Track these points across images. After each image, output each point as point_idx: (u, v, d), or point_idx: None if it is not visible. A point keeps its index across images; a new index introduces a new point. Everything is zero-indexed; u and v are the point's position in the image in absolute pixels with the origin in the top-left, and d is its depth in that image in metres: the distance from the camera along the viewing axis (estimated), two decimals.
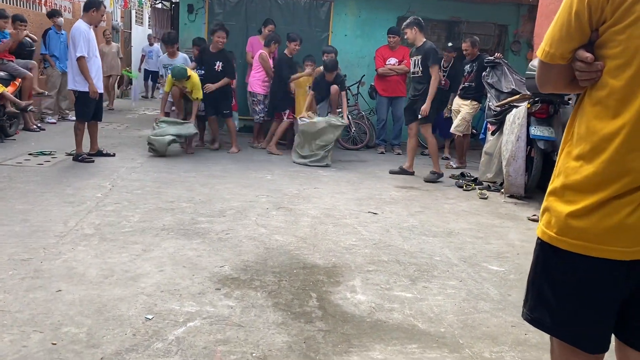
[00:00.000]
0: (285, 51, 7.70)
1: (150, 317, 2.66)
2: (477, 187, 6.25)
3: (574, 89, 1.43)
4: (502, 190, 5.94)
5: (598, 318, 1.39)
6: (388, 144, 8.72)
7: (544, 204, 1.45)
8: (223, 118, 7.66)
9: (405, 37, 6.57)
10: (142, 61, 14.95)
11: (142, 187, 5.22)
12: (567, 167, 1.38)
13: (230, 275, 3.24)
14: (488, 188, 6.21)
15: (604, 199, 1.29)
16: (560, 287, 1.41)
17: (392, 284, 3.28)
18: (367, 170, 7.02)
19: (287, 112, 7.71)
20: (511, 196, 5.77)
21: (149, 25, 17.59)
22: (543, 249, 1.44)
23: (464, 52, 7.36)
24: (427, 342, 2.60)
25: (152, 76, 14.75)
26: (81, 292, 2.87)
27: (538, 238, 1.46)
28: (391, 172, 6.79)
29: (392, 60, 8.27)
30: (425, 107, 6.29)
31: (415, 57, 6.46)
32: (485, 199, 5.79)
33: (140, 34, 16.73)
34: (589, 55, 1.30)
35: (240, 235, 3.99)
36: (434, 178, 6.48)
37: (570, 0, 1.33)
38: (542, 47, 1.41)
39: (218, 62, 7.33)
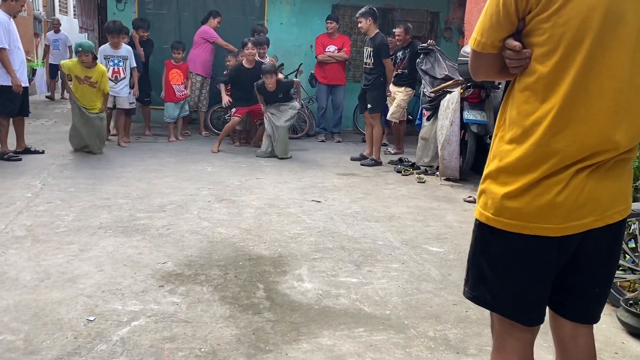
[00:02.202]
0: (243, 62, 7.46)
1: (92, 318, 2.57)
2: (415, 171, 6.42)
3: (505, 76, 1.49)
4: (438, 173, 6.14)
5: (533, 292, 1.48)
6: (328, 132, 8.78)
7: (481, 186, 1.51)
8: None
9: (359, 26, 6.70)
10: (46, 53, 12.25)
11: (75, 185, 5.00)
12: (501, 151, 1.45)
13: (173, 272, 3.18)
14: (425, 172, 6.39)
15: (535, 179, 1.36)
16: (498, 265, 1.48)
17: (338, 270, 3.33)
18: (308, 159, 7.05)
19: (234, 110, 7.53)
20: (447, 179, 5.98)
21: (74, 14, 16.73)
22: (481, 229, 1.51)
23: (397, 39, 7.48)
24: (374, 325, 2.67)
25: (60, 72, 13.12)
26: (15, 298, 2.73)
27: (476, 219, 1.52)
28: (352, 159, 6.98)
29: (332, 48, 8.30)
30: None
31: (367, 48, 6.71)
32: (423, 182, 5.96)
33: (65, 24, 15.73)
34: (517, 43, 1.37)
35: (182, 229, 3.92)
36: (372, 164, 6.68)
37: None
38: (473, 37, 1.46)
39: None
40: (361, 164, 6.72)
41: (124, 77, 7.01)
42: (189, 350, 2.35)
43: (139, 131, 8.06)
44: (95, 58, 6.41)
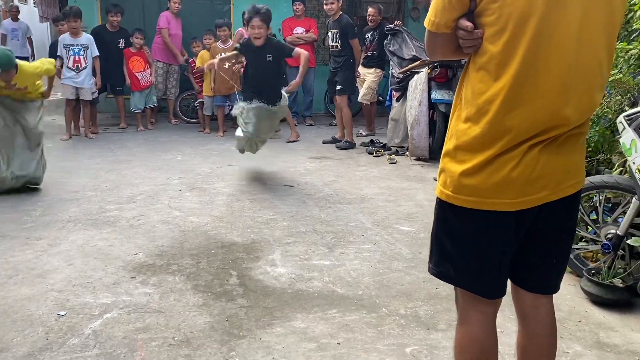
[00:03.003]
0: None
1: (63, 313, 2.55)
2: (386, 152, 6.46)
3: (460, 56, 1.52)
4: (408, 154, 6.20)
5: (493, 266, 1.52)
6: (300, 115, 8.75)
7: (440, 165, 1.55)
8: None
9: (329, 7, 6.66)
10: (2, 44, 10.26)
11: None
12: (458, 130, 1.48)
13: (145, 262, 3.16)
14: (396, 153, 6.44)
15: (491, 156, 1.40)
16: (459, 241, 1.53)
17: (311, 254, 3.36)
18: (280, 143, 7.02)
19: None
20: (417, 159, 6.04)
21: (34, 3, 16.17)
22: (442, 207, 1.55)
23: (369, 19, 7.31)
24: (347, 306, 2.71)
25: None
26: None
27: (437, 197, 1.56)
28: (325, 142, 6.94)
29: (299, 30, 8.22)
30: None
31: (333, 31, 6.71)
32: (394, 163, 6.01)
33: (25, 14, 15.02)
34: (469, 24, 1.39)
35: (153, 220, 3.89)
36: (347, 146, 6.69)
37: None
38: (428, 17, 1.48)
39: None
40: (336, 147, 6.72)
41: (86, 67, 6.82)
42: (162, 339, 2.36)
43: (115, 122, 7.92)
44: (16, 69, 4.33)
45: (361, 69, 7.31)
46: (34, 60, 9.44)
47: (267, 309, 2.65)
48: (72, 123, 7.03)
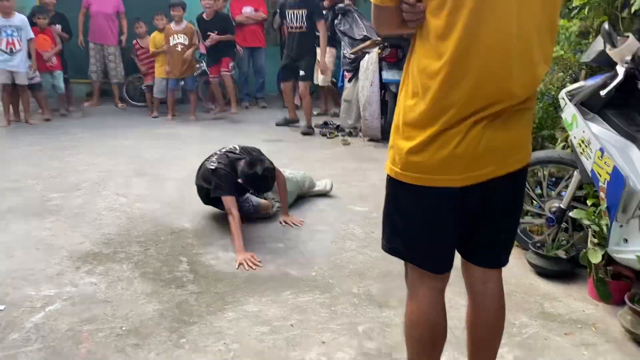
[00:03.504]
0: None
1: (1, 307, 2.43)
2: (339, 134, 6.46)
3: (405, 29, 1.49)
4: (361, 134, 6.21)
5: (441, 242, 1.53)
6: (252, 97, 8.62)
7: (390, 142, 1.53)
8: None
9: None
10: None
11: None
12: (405, 106, 1.46)
13: (91, 251, 3.05)
14: (350, 134, 6.45)
15: (435, 132, 1.39)
16: (408, 217, 1.53)
17: (265, 238, 3.32)
18: (233, 126, 6.92)
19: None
20: (370, 140, 6.06)
21: None
22: (391, 184, 1.54)
23: (327, 2, 7.19)
24: (300, 287, 2.70)
25: None
26: None
27: (387, 175, 1.55)
28: (278, 125, 6.80)
29: (248, 9, 8.06)
30: (323, 63, 6.39)
31: (296, 11, 6.17)
32: (348, 144, 6.01)
33: None
34: None
35: (99, 207, 3.75)
36: (310, 132, 6.53)
37: None
38: None
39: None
40: (302, 133, 6.47)
41: (20, 49, 6.41)
42: (109, 330, 2.28)
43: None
44: None
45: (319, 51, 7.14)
46: None
47: (219, 294, 2.61)
48: (11, 109, 6.67)
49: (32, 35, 6.51)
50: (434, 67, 1.37)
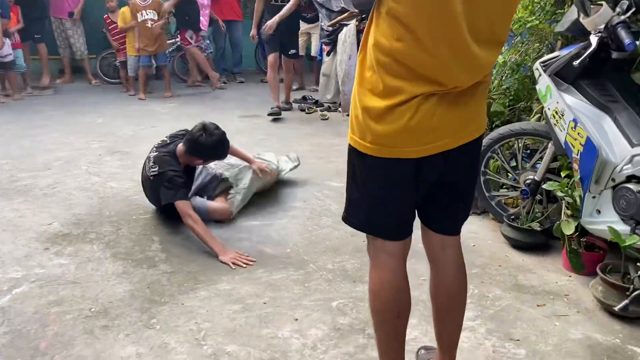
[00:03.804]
0: None
1: None
2: (318, 109, 6.38)
3: None
4: (340, 109, 6.14)
5: (397, 211, 1.53)
6: (229, 73, 8.47)
7: (351, 113, 1.50)
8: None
9: None
10: None
11: None
12: (363, 77, 1.43)
13: (60, 232, 2.97)
14: (328, 109, 6.38)
15: (390, 106, 1.37)
16: (365, 188, 1.52)
17: (240, 215, 3.27)
18: (209, 102, 6.80)
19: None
20: (349, 115, 5.99)
21: None
22: (351, 154, 1.53)
23: None
24: (274, 265, 2.67)
25: None
26: None
27: (349, 145, 1.52)
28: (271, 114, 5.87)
29: None
30: (270, 23, 5.69)
31: None
32: (326, 119, 5.95)
33: None
34: None
35: (70, 187, 3.66)
36: (288, 108, 6.42)
37: None
38: None
39: None
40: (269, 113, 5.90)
41: None
42: (77, 312, 2.23)
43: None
44: None
45: (302, 25, 6.98)
46: None
47: (191, 274, 2.56)
48: None
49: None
50: (386, 45, 1.34)
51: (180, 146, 3.06)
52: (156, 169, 2.95)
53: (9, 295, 2.34)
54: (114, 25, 7.33)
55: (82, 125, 5.40)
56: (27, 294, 2.36)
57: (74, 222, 3.11)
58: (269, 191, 3.64)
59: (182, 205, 2.83)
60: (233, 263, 2.65)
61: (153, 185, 3.01)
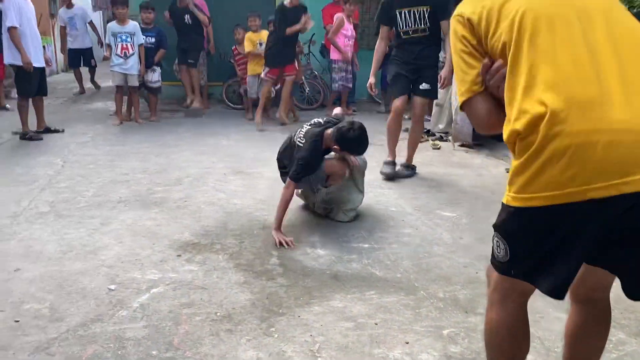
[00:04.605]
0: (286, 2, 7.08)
1: (112, 287, 2.69)
2: (430, 138, 6.39)
3: (501, 111, 1.43)
4: (452, 139, 6.11)
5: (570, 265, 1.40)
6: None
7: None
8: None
9: None
10: (63, 37, 10.10)
11: (94, 162, 5.13)
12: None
13: (190, 241, 3.27)
14: (440, 139, 6.36)
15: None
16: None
17: (350, 237, 3.39)
18: None
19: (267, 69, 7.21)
20: (461, 145, 5.95)
21: None
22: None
23: None
24: (385, 288, 2.73)
25: (83, 59, 9.75)
26: (40, 269, 2.86)
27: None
28: (384, 174, 4.73)
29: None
30: (446, 73, 4.64)
31: (417, 8, 4.54)
32: (438, 149, 5.95)
33: (77, 2, 10.61)
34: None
35: (199, 201, 4.01)
36: (410, 174, 4.90)
37: None
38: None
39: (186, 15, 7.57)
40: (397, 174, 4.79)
41: (133, 53, 6.95)
42: (205, 314, 2.45)
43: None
44: None
45: None
46: (102, 48, 9.35)
47: (306, 289, 2.71)
48: (124, 108, 7.27)
49: (142, 41, 7.05)
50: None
51: (329, 131, 3.46)
52: (303, 142, 3.46)
53: (147, 294, 2.63)
54: (241, 55, 7.90)
55: (209, 146, 5.87)
56: (163, 294, 2.63)
57: (202, 233, 3.40)
58: (380, 216, 3.72)
59: (290, 183, 3.38)
60: (279, 242, 3.18)
61: (291, 149, 3.56)
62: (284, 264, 2.99)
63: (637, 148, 1.23)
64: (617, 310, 2.51)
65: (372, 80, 4.90)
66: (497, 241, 1.46)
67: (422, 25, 4.60)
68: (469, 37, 1.47)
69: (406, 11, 4.59)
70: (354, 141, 3.38)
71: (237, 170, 4.92)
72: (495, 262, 1.50)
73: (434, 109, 6.63)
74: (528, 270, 1.43)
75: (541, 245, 1.37)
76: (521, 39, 1.35)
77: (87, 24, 9.94)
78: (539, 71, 1.31)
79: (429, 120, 6.80)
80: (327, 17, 8.21)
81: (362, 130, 3.39)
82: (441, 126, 6.51)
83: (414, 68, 4.69)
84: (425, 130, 6.63)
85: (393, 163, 4.76)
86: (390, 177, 4.69)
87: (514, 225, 1.41)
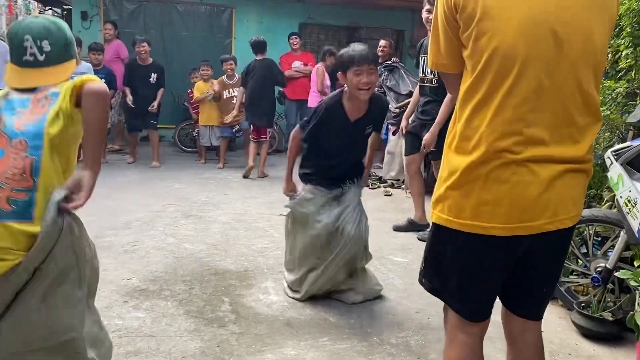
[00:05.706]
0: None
1: None
2: (381, 185, 6.52)
3: None
4: (404, 187, 6.25)
5: (482, 290, 1.58)
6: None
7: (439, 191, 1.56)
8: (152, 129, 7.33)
9: (427, 15, 4.36)
10: None
11: None
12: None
13: (138, 287, 3.17)
14: (392, 186, 6.50)
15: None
16: (452, 263, 1.58)
17: None
18: (278, 174, 7.07)
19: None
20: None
21: None
22: (437, 230, 1.61)
23: (381, 53, 7.08)
24: (338, 334, 2.71)
25: None
26: None
27: (433, 222, 1.61)
28: (397, 229, 4.67)
29: (297, 63, 8.41)
30: (429, 137, 4.15)
31: (426, 56, 3.97)
32: (390, 196, 6.07)
33: None
34: None
35: (148, 246, 3.91)
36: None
37: None
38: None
39: (153, 74, 7.17)
40: (418, 239, 4.39)
41: None
42: None
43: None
44: None
45: None
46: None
47: (258, 336, 2.65)
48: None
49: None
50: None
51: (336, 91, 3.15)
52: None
53: None
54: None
55: (160, 189, 5.77)
56: None
57: (150, 279, 3.30)
58: None
59: (297, 129, 3.20)
60: (285, 192, 3.28)
61: None
62: (236, 310, 2.93)
63: None
64: (562, 355, 2.60)
65: (404, 123, 4.65)
66: None
67: (430, 74, 4.29)
68: (449, 16, 1.47)
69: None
70: (348, 55, 2.89)
71: (189, 214, 4.85)
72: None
73: (386, 157, 6.80)
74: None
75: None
76: (484, 77, 1.43)
77: (6, 64, 9.75)
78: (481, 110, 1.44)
79: (381, 168, 6.96)
80: (285, 65, 8.39)
81: (347, 47, 3.00)
82: (392, 173, 6.66)
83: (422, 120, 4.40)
84: (377, 178, 6.79)
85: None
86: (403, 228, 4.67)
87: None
